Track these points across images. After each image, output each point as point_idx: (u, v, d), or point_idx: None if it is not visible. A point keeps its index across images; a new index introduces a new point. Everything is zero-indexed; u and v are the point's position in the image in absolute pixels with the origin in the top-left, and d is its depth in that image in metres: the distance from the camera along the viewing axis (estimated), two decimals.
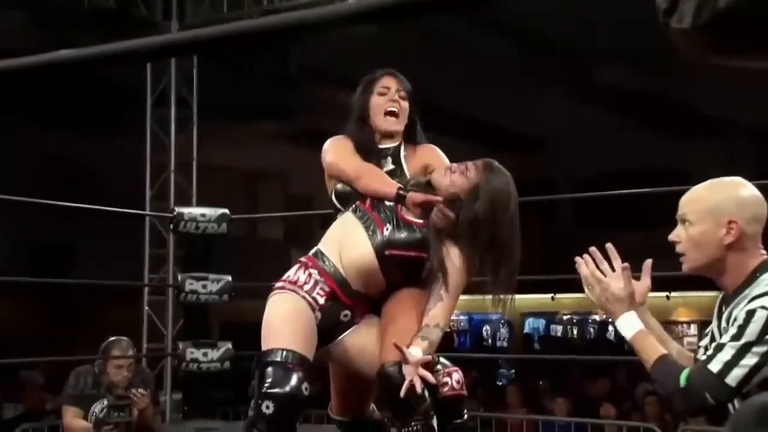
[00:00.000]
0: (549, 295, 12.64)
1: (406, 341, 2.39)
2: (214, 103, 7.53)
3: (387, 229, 2.46)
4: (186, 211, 4.76)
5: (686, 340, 12.83)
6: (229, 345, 4.80)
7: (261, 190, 13.06)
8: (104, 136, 9.36)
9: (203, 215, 4.70)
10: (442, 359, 2.66)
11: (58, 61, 1.18)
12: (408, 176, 2.67)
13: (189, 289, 4.66)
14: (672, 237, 1.92)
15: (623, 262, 1.99)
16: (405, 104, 2.74)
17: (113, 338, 4.30)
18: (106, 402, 4.06)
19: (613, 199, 10.12)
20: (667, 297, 11.46)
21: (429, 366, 2.38)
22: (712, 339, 1.85)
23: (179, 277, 4.78)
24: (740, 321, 1.75)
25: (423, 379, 2.35)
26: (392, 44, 7.10)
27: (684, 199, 1.92)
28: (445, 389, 2.58)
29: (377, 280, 2.48)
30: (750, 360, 1.72)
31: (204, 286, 4.69)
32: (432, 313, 2.40)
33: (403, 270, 2.46)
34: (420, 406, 2.39)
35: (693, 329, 12.66)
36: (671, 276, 2.19)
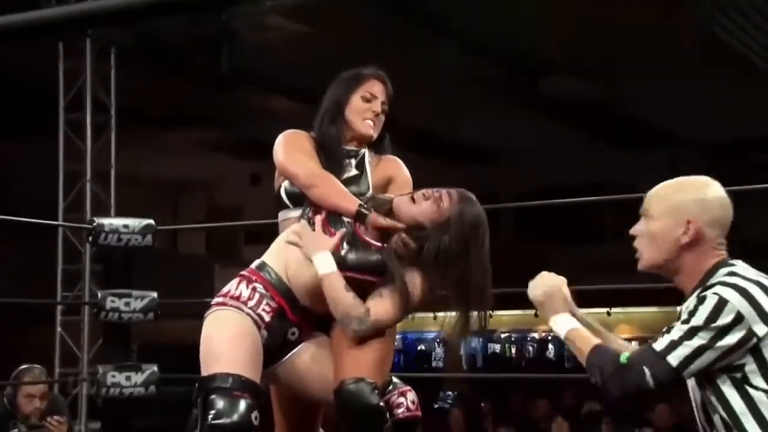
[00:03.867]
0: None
1: (363, 360, 2.33)
2: (135, 107, 7.36)
3: (343, 248, 2.37)
4: (107, 222, 4.57)
5: None
6: (155, 368, 4.63)
7: (183, 202, 12.86)
8: (11, 140, 9.05)
9: (126, 226, 4.52)
10: (394, 378, 2.59)
11: None
12: (370, 184, 2.59)
13: (110, 306, 4.46)
14: (632, 230, 1.96)
15: (565, 277, 2.07)
16: (382, 117, 2.65)
17: (24, 366, 4.14)
18: None
19: (555, 214, 10.26)
20: (608, 313, 11.64)
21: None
22: None
23: (99, 294, 4.58)
24: (690, 307, 1.80)
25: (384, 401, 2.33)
26: (329, 47, 7.05)
27: (650, 193, 1.96)
28: (400, 410, 2.51)
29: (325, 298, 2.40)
30: (695, 342, 1.76)
31: (127, 304, 4.49)
32: (373, 300, 2.32)
33: (356, 293, 2.38)
34: (382, 426, 2.33)
35: (634, 345, 12.89)
36: (613, 291, 2.19)
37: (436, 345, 13.55)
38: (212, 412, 2.20)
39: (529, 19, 7.15)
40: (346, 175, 2.56)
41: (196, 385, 2.29)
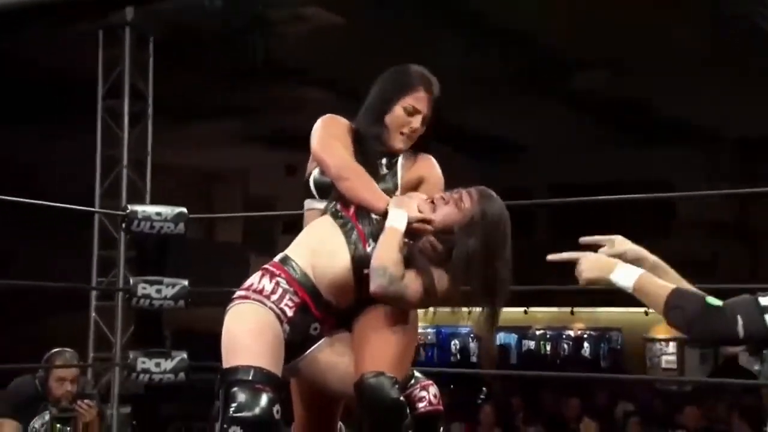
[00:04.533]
0: (521, 309, 12.65)
1: (383, 354, 2.34)
2: (171, 97, 7.42)
3: (370, 245, 2.36)
4: (140, 209, 4.64)
5: (664, 358, 12.92)
6: (184, 355, 4.69)
7: (218, 191, 12.94)
8: (51, 128, 9.19)
9: (159, 214, 4.58)
10: (416, 372, 2.59)
11: None
12: (399, 184, 2.57)
13: (142, 293, 4.53)
14: None
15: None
16: (422, 129, 2.59)
17: (56, 350, 4.18)
18: (48, 416, 3.96)
19: (592, 210, 10.16)
20: (646, 313, 11.52)
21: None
22: None
23: (131, 281, 4.66)
24: None
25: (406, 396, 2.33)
26: (363, 40, 7.06)
27: None
28: (422, 404, 2.50)
29: (349, 293, 2.40)
30: None
31: (158, 291, 4.56)
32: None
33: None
34: (403, 421, 2.33)
35: (672, 347, 12.75)
36: None
37: (470, 340, 13.50)
38: (234, 404, 2.20)
39: (561, 13, 7.09)
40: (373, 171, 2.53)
41: (218, 376, 2.30)
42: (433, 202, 2.36)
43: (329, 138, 2.52)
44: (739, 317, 1.68)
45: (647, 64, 8.15)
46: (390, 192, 2.51)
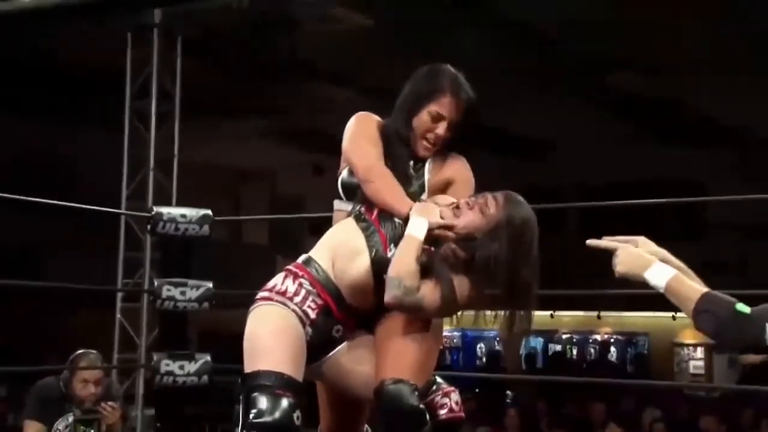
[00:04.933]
0: (548, 312, 12.55)
1: (404, 360, 2.32)
2: (198, 97, 7.42)
3: (391, 250, 2.33)
4: (165, 210, 4.64)
5: (692, 363, 12.78)
6: (208, 357, 4.68)
7: (245, 192, 12.96)
8: (79, 128, 9.24)
9: (183, 216, 4.57)
10: (438, 378, 2.55)
11: None
12: (426, 186, 2.53)
13: (166, 295, 4.53)
14: None
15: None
16: (449, 134, 2.53)
17: (81, 351, 4.19)
18: (71, 418, 3.96)
19: (623, 212, 10.06)
20: (673, 317, 11.40)
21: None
22: None
23: (156, 283, 4.65)
24: None
25: (424, 403, 2.30)
26: (389, 40, 7.03)
27: None
28: (443, 411, 2.47)
29: (370, 296, 2.37)
30: None
31: (182, 293, 4.55)
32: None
33: None
34: (422, 428, 2.30)
35: (700, 352, 12.61)
36: None
37: (495, 343, 13.43)
38: (254, 410, 2.17)
39: (594, 13, 7.02)
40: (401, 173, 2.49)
41: (239, 380, 2.28)
42: (458, 207, 2.32)
43: (360, 138, 2.50)
44: (767, 325, 1.68)
45: (678, 64, 8.06)
46: (416, 195, 2.48)
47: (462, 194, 2.48)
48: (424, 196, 2.51)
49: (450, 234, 2.29)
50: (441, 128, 2.52)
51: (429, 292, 2.27)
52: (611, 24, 7.24)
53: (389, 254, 2.32)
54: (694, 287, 1.80)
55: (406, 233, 2.27)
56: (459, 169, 2.60)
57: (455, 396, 2.51)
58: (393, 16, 7.11)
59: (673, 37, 7.43)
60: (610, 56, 8.16)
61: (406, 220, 2.31)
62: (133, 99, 6.62)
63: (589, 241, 1.96)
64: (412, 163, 2.54)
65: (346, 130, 2.54)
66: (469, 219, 2.29)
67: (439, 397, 2.47)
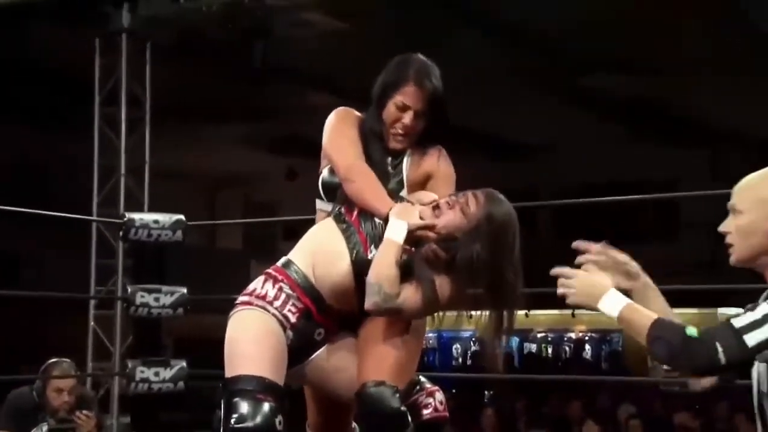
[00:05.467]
0: (522, 312, 12.56)
1: (385, 362, 2.32)
2: (169, 103, 7.38)
3: (371, 251, 2.31)
4: (137, 216, 4.60)
5: None
6: (183, 363, 4.65)
7: (219, 198, 12.90)
8: (48, 135, 9.15)
9: (156, 222, 4.54)
10: (422, 378, 2.55)
11: None
12: (405, 182, 2.51)
13: (140, 302, 4.50)
14: (721, 228, 1.90)
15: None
16: (418, 124, 2.49)
17: (53, 360, 4.15)
18: (45, 427, 3.93)
19: (597, 212, 10.13)
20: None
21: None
22: None
23: (129, 289, 4.61)
24: None
25: (407, 404, 2.30)
26: (367, 43, 6.99)
27: (736, 188, 1.90)
28: (427, 411, 2.47)
29: (351, 298, 2.36)
30: None
31: (156, 299, 4.52)
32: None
33: None
34: (404, 430, 2.30)
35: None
36: (663, 292, 2.12)
37: (472, 344, 13.45)
38: (235, 415, 2.16)
39: (572, 12, 7.04)
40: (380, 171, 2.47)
41: (221, 385, 2.27)
42: (438, 206, 2.30)
43: (339, 136, 2.48)
44: (718, 345, 1.69)
45: (661, 64, 8.11)
46: (395, 192, 2.46)
47: (442, 189, 2.47)
48: (403, 193, 2.49)
49: (431, 234, 2.27)
50: (407, 118, 2.48)
51: (410, 295, 2.26)
52: (587, 22, 7.27)
53: (370, 256, 2.31)
54: (646, 315, 1.81)
55: (385, 237, 2.25)
56: (437, 163, 2.56)
57: (439, 396, 2.51)
58: (369, 18, 7.10)
59: (655, 37, 7.47)
60: (585, 55, 8.19)
61: (386, 220, 2.29)
62: (102, 105, 6.57)
63: (553, 271, 1.97)
64: (390, 159, 2.52)
65: (326, 127, 2.51)
66: (449, 218, 2.27)
67: (423, 396, 2.48)
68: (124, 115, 6.52)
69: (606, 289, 1.87)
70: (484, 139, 10.43)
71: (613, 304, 1.85)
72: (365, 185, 2.37)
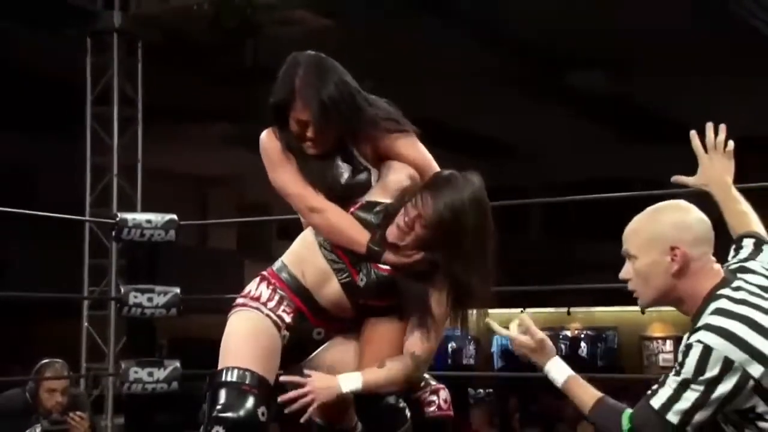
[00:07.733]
0: (518, 310, 12.59)
1: (385, 355, 2.33)
2: (162, 103, 7.36)
3: (362, 280, 2.31)
4: (130, 216, 4.59)
5: (662, 356, 12.90)
6: (177, 364, 4.63)
7: (212, 197, 12.87)
8: (40, 135, 9.12)
9: (149, 221, 4.52)
10: (427, 376, 2.57)
11: None
12: (372, 177, 2.40)
13: (133, 302, 4.48)
14: (622, 275, 1.90)
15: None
16: (325, 130, 2.33)
17: (46, 360, 4.14)
18: (39, 429, 3.91)
19: (586, 210, 10.14)
20: (642, 312, 11.48)
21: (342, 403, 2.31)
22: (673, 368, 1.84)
23: (122, 290, 4.60)
24: (680, 357, 1.75)
25: (407, 399, 2.33)
26: (352, 43, 6.99)
27: (625, 234, 1.90)
28: (431, 409, 2.52)
29: (346, 309, 2.38)
30: (690, 395, 1.71)
31: (150, 299, 4.50)
32: (410, 342, 2.31)
33: (378, 312, 2.37)
34: (402, 427, 2.33)
35: (669, 345, 12.73)
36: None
37: (467, 342, 13.46)
38: (219, 404, 2.19)
39: (555, 11, 7.05)
40: (344, 176, 2.38)
41: (208, 378, 2.32)
42: (399, 227, 2.24)
43: (277, 168, 2.39)
44: None
45: (647, 64, 8.12)
46: (363, 183, 2.38)
47: (410, 150, 2.40)
48: (373, 181, 2.40)
49: (405, 259, 2.26)
50: (310, 132, 2.34)
51: (421, 345, 2.30)
52: (570, 20, 7.28)
53: (360, 283, 2.31)
54: (587, 391, 1.91)
55: (343, 391, 2.25)
56: (387, 140, 2.42)
57: (444, 394, 2.55)
58: (356, 18, 7.09)
59: (632, 34, 7.48)
60: (568, 54, 8.20)
61: (367, 251, 2.27)
62: (94, 105, 6.56)
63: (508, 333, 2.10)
64: (347, 174, 2.39)
65: (264, 160, 2.42)
66: (416, 237, 2.23)
67: (428, 394, 2.52)
68: (116, 114, 6.51)
69: (547, 358, 2.02)
70: (470, 139, 10.44)
71: (557, 372, 1.99)
72: (334, 221, 2.31)
